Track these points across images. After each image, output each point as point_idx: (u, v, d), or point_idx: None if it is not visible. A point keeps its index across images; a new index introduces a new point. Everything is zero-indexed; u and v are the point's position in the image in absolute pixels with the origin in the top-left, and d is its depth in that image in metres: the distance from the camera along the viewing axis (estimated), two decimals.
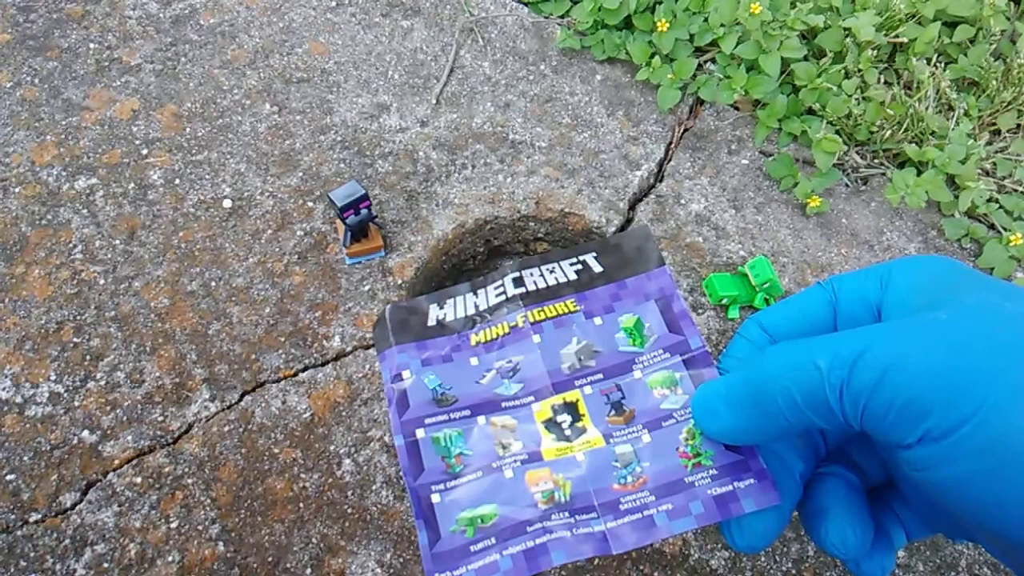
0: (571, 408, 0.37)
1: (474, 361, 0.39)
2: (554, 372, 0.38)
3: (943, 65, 1.02)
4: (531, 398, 0.37)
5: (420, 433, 0.37)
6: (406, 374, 0.38)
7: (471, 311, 0.40)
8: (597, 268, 0.41)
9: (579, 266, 0.41)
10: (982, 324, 0.26)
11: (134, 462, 0.75)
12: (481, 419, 0.37)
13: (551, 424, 0.37)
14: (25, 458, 0.75)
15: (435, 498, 0.35)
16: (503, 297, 0.40)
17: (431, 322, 0.40)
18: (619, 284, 0.40)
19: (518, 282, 0.41)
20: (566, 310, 0.40)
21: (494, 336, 0.40)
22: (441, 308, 0.41)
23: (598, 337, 0.39)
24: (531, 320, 0.39)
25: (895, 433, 0.27)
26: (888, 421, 0.26)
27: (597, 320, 0.39)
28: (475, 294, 0.41)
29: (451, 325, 0.40)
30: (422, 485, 0.35)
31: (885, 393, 0.26)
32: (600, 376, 0.38)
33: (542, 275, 0.41)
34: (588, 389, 0.37)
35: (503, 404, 0.37)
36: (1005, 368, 0.25)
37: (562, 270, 0.41)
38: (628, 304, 0.40)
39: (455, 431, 0.37)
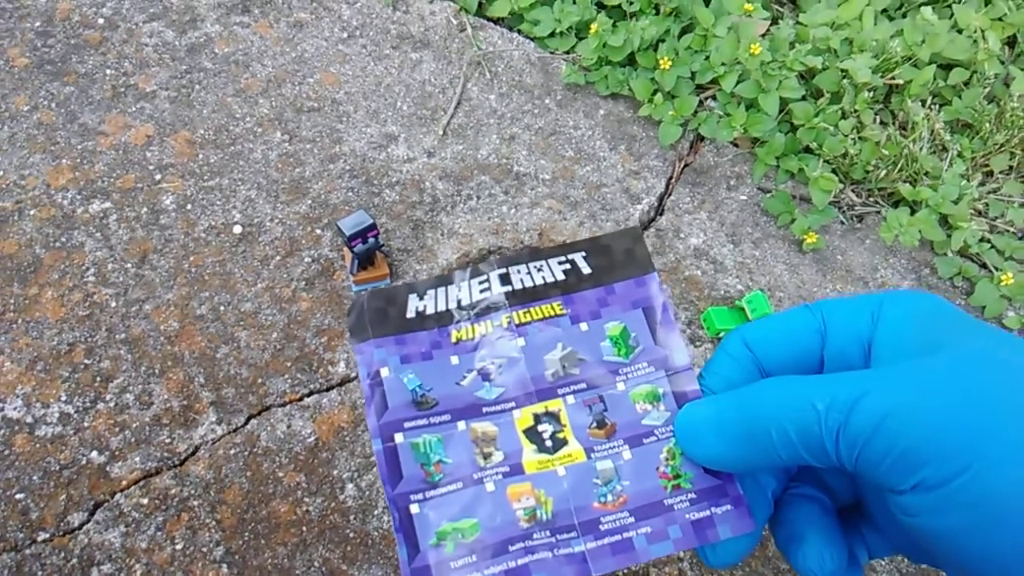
0: (553, 418, 0.36)
1: (455, 360, 0.38)
2: (537, 378, 0.37)
3: (938, 107, 1.04)
4: (512, 404, 0.37)
5: (399, 438, 0.36)
6: (384, 371, 0.37)
7: (452, 304, 0.39)
8: (585, 269, 0.40)
9: (567, 265, 0.40)
10: (978, 374, 0.27)
11: (141, 483, 0.77)
12: (461, 424, 0.36)
13: (532, 433, 0.36)
14: (34, 477, 0.76)
15: (414, 508, 0.34)
16: (487, 294, 0.39)
17: (410, 313, 0.39)
18: (607, 288, 0.39)
19: (504, 279, 0.39)
20: (552, 313, 0.39)
21: (476, 335, 0.38)
22: (421, 299, 0.39)
23: (583, 344, 0.38)
24: (516, 322, 0.39)
25: (889, 479, 0.27)
26: (883, 467, 0.27)
27: (583, 326, 0.39)
28: (458, 287, 0.39)
29: (431, 318, 0.39)
30: (400, 495, 0.34)
31: (882, 441, 0.27)
32: (584, 386, 0.37)
33: (529, 273, 0.40)
34: (571, 399, 0.37)
35: (484, 409, 0.37)
36: (1001, 422, 0.25)
37: (550, 268, 0.40)
38: (615, 311, 0.39)
39: (435, 437, 0.36)
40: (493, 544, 0.33)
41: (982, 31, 1.07)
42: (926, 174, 1.01)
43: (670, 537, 0.33)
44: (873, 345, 0.32)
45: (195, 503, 0.76)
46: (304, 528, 0.76)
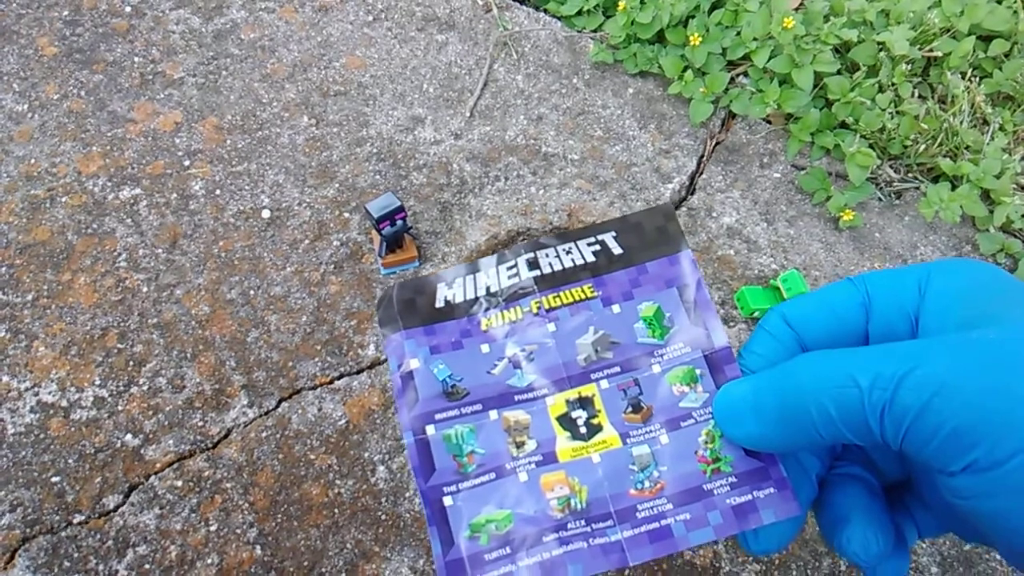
0: (587, 403, 0.36)
1: (485, 348, 0.37)
2: (569, 364, 0.37)
3: (978, 79, 1.01)
4: (545, 391, 0.36)
5: (430, 430, 0.35)
6: (414, 363, 0.37)
7: (481, 292, 0.38)
8: (616, 250, 0.39)
9: (597, 247, 0.39)
10: None
11: (175, 466, 0.77)
12: (493, 413, 0.36)
13: (566, 420, 0.35)
14: (70, 460, 0.77)
15: (447, 501, 0.34)
16: (516, 279, 0.39)
17: (439, 303, 0.38)
18: (639, 268, 0.38)
19: (532, 264, 0.39)
20: (583, 296, 0.38)
21: (506, 321, 0.38)
22: (450, 287, 0.39)
23: (616, 326, 0.37)
24: (546, 307, 0.38)
25: (938, 459, 0.26)
26: (931, 448, 0.26)
27: (615, 308, 0.38)
28: (486, 274, 0.39)
29: (460, 306, 0.38)
30: (433, 487, 0.34)
31: (931, 419, 0.25)
32: (617, 369, 0.36)
33: (558, 256, 0.39)
34: (604, 383, 0.36)
35: (516, 397, 0.36)
36: None
37: (579, 250, 0.39)
38: (648, 291, 0.38)
39: (467, 427, 0.35)
40: (527, 535, 0.33)
41: (1022, 1, 1.04)
42: (967, 148, 0.98)
43: (710, 523, 0.32)
44: (921, 318, 0.30)
45: (228, 485, 0.76)
46: (336, 510, 0.76)
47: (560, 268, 0.39)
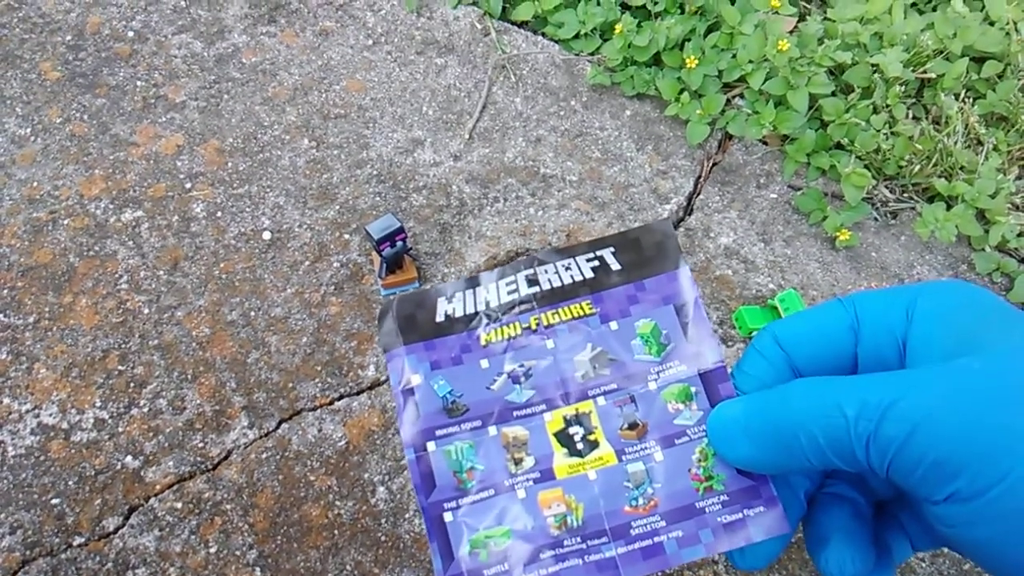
0: (584, 420, 0.36)
1: (484, 364, 0.38)
2: (568, 380, 0.37)
3: (971, 100, 1.02)
4: (543, 407, 0.37)
5: (431, 446, 0.36)
6: (415, 379, 0.37)
7: (481, 307, 0.39)
8: (615, 266, 0.39)
9: (596, 263, 0.39)
10: (1016, 376, 0.26)
11: (175, 487, 0.77)
12: (492, 429, 0.36)
13: (563, 436, 0.36)
14: (70, 482, 0.77)
15: (447, 517, 0.34)
16: (515, 295, 0.39)
17: (439, 317, 0.39)
18: (637, 285, 0.39)
19: (532, 281, 0.39)
20: (581, 313, 0.38)
21: (505, 337, 0.38)
22: (450, 302, 0.39)
23: (613, 343, 0.38)
24: (544, 323, 0.38)
25: (923, 488, 0.26)
26: (916, 476, 0.26)
27: (613, 324, 0.38)
28: (485, 289, 0.39)
29: (460, 321, 0.39)
30: (434, 503, 0.35)
31: (914, 449, 0.26)
32: (614, 386, 0.37)
33: (557, 272, 0.39)
34: (602, 400, 0.37)
35: (515, 413, 0.37)
36: None
37: (578, 267, 0.39)
38: (646, 307, 0.38)
39: (466, 443, 0.36)
40: (524, 552, 0.33)
41: (1015, 23, 1.05)
42: (961, 168, 0.99)
43: (702, 541, 0.33)
44: (908, 343, 0.31)
45: (228, 507, 0.76)
46: (336, 531, 0.76)
47: (559, 284, 0.39)
